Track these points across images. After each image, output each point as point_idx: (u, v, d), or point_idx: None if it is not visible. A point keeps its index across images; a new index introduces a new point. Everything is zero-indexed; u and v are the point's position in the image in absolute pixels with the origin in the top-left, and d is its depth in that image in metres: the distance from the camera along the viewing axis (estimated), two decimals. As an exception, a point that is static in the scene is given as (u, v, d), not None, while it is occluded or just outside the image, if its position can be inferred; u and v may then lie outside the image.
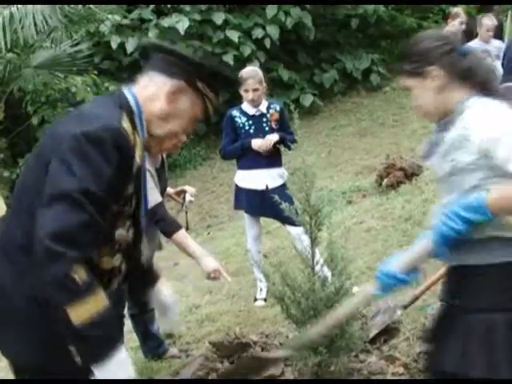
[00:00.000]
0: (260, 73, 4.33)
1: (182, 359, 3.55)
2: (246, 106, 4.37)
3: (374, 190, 6.63)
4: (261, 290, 4.52)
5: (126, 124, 1.76)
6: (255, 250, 4.54)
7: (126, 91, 1.87)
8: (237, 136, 4.36)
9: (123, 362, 1.64)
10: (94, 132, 1.66)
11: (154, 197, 3.15)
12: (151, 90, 1.86)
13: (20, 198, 1.84)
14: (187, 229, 4.01)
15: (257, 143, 4.26)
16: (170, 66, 1.86)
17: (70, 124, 1.76)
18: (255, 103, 4.32)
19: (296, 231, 4.30)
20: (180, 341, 3.85)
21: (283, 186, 4.35)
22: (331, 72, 10.84)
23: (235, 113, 4.38)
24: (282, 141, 4.28)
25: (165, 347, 3.61)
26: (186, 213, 4.01)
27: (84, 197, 1.62)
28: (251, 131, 4.34)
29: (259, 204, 4.30)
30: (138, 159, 1.80)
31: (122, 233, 1.85)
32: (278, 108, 4.40)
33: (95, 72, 9.23)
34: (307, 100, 10.33)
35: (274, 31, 10.14)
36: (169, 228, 3.14)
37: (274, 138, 4.28)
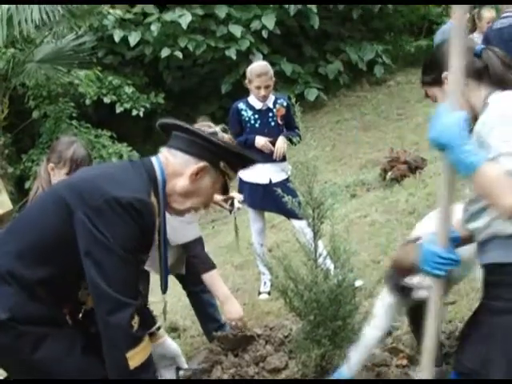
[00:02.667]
0: (271, 69, 4.33)
1: (186, 352, 3.56)
2: (252, 100, 4.35)
3: (378, 183, 6.61)
4: (265, 283, 4.52)
5: (153, 198, 1.91)
6: (259, 243, 4.54)
7: (155, 162, 1.98)
8: (242, 129, 4.34)
9: None
10: (127, 200, 1.80)
11: (192, 232, 3.19)
12: (175, 167, 1.97)
13: (21, 226, 1.99)
14: (236, 234, 4.03)
15: (260, 142, 4.23)
16: (195, 147, 1.97)
17: (99, 182, 1.89)
18: (264, 98, 4.32)
19: (299, 224, 4.29)
20: (185, 334, 3.86)
21: (287, 180, 4.35)
22: (336, 63, 10.80)
23: (241, 106, 4.36)
24: (288, 141, 4.28)
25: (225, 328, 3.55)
26: (235, 218, 4.02)
27: (126, 252, 1.80)
28: (257, 125, 4.33)
29: (262, 198, 4.30)
30: (157, 226, 1.95)
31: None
32: (284, 104, 4.38)
33: (98, 67, 9.23)
34: (312, 94, 10.31)
35: (270, 22, 10.02)
36: (202, 266, 3.15)
37: (283, 146, 4.27)
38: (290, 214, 4.32)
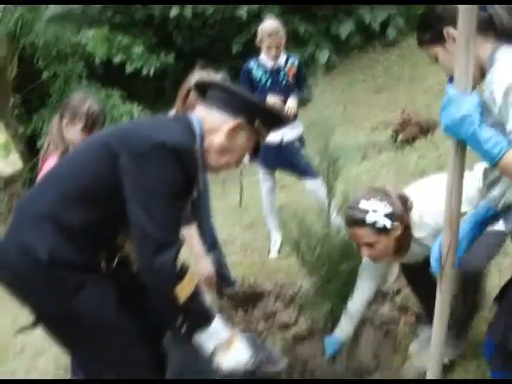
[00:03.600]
0: (282, 28, 4.26)
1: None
2: (263, 59, 4.30)
3: (390, 145, 6.56)
4: (275, 242, 4.54)
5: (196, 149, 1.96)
6: (269, 202, 4.55)
7: (193, 118, 2.04)
8: (253, 89, 4.30)
9: (220, 326, 1.96)
10: (173, 145, 1.87)
11: None
12: (212, 124, 2.03)
13: (64, 171, 2.04)
14: (241, 190, 3.99)
15: (271, 101, 4.20)
16: (232, 104, 2.03)
17: (145, 129, 1.97)
18: (276, 58, 4.27)
19: (312, 184, 4.30)
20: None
21: (298, 138, 4.34)
22: (348, 23, 10.61)
23: (252, 65, 4.32)
24: (299, 101, 4.25)
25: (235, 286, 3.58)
26: (241, 173, 4.01)
27: (171, 196, 1.87)
28: (268, 84, 4.28)
29: (274, 157, 4.29)
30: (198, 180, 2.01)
31: None
32: (296, 62, 4.33)
33: (107, 27, 9.14)
34: (323, 56, 10.19)
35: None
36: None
37: (294, 105, 4.22)
38: (303, 173, 4.32)
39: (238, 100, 2.04)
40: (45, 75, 8.86)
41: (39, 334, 3.74)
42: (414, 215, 2.33)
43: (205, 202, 2.11)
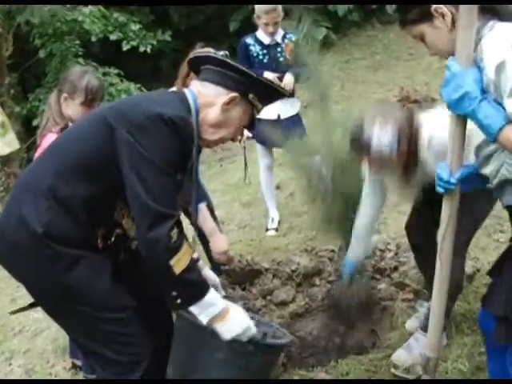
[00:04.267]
0: (279, 5, 4.21)
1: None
2: (260, 35, 4.27)
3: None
4: (272, 219, 4.54)
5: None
6: (267, 180, 4.54)
7: (188, 93, 2.05)
8: (250, 65, 4.27)
9: (215, 297, 1.98)
10: (169, 116, 1.88)
11: None
12: (207, 99, 2.05)
13: (63, 146, 2.04)
14: (245, 165, 4.01)
15: (268, 77, 4.16)
16: (227, 78, 2.04)
17: (141, 102, 1.98)
18: (273, 34, 4.23)
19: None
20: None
21: (296, 115, 4.31)
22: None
23: (249, 41, 4.28)
24: (296, 78, 4.21)
25: None
26: (244, 148, 4.00)
27: (168, 166, 1.88)
28: (265, 61, 4.26)
29: (272, 134, 4.26)
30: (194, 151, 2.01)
31: None
32: (293, 38, 4.29)
33: (103, 4, 9.03)
34: (320, 33, 10.09)
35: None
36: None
37: (291, 81, 4.19)
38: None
39: (232, 73, 2.04)
40: (41, 54, 8.77)
41: (38, 315, 3.78)
42: (423, 136, 2.36)
43: (196, 170, 2.16)
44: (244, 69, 2.07)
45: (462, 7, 1.64)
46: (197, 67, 2.15)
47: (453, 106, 1.66)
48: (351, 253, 2.90)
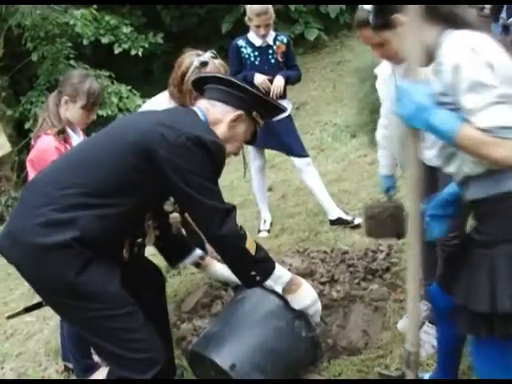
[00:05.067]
0: (271, 7, 4.21)
1: (187, 287, 3.61)
2: (252, 37, 4.26)
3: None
4: (264, 221, 4.55)
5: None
6: (259, 181, 4.55)
7: (198, 111, 2.24)
8: (242, 67, 4.27)
9: (282, 270, 2.36)
10: (205, 139, 2.07)
11: None
12: (216, 116, 2.24)
13: (92, 157, 2.14)
14: (244, 162, 4.02)
15: (259, 80, 4.17)
16: (232, 97, 2.25)
17: (173, 123, 2.12)
18: (264, 36, 4.23)
19: (301, 162, 4.30)
20: (185, 271, 3.90)
21: (288, 117, 4.32)
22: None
23: (241, 43, 4.27)
24: (286, 80, 4.22)
25: None
26: (242, 147, 4.00)
27: (211, 175, 2.12)
28: (256, 62, 4.25)
29: (264, 135, 4.27)
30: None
31: None
32: (285, 40, 4.29)
33: (95, 6, 9.02)
34: (312, 34, 10.12)
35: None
36: None
37: (280, 84, 4.19)
38: (292, 152, 4.32)
39: (237, 92, 2.24)
40: (34, 57, 8.73)
41: (30, 318, 3.77)
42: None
43: None
44: (248, 87, 2.26)
45: (409, 17, 1.78)
46: (201, 86, 2.34)
47: (409, 120, 1.75)
48: (380, 168, 3.07)
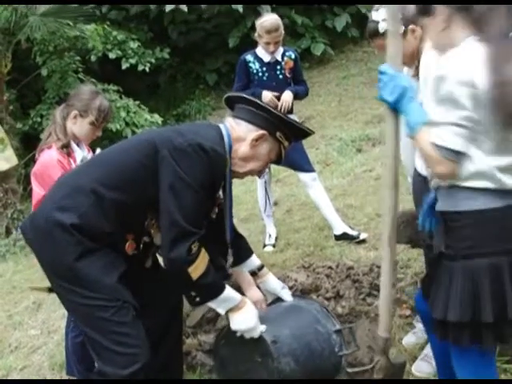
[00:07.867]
0: (281, 24, 4.23)
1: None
2: (260, 52, 4.27)
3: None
4: (270, 236, 4.55)
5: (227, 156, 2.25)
6: (264, 196, 4.55)
7: (223, 128, 2.31)
8: (249, 82, 4.28)
9: (230, 295, 2.30)
10: (208, 148, 2.14)
11: None
12: (239, 134, 2.31)
13: (107, 155, 2.35)
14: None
15: (266, 97, 4.16)
16: (257, 117, 2.31)
17: (185, 132, 2.23)
18: (273, 52, 4.24)
19: (307, 177, 4.31)
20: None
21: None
22: (344, 16, 10.54)
23: (249, 58, 4.28)
24: (295, 95, 4.24)
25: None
26: None
27: (201, 188, 2.13)
28: (264, 78, 4.26)
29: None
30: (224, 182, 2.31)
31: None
32: (292, 56, 4.31)
33: (107, 22, 9.10)
34: (318, 49, 10.16)
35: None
36: None
37: (289, 99, 4.20)
38: (298, 167, 4.32)
39: (262, 113, 2.30)
40: (44, 72, 8.78)
41: (35, 332, 3.77)
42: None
43: (229, 203, 2.35)
44: (272, 110, 2.33)
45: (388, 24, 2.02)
46: (232, 104, 2.43)
47: (393, 104, 1.91)
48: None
